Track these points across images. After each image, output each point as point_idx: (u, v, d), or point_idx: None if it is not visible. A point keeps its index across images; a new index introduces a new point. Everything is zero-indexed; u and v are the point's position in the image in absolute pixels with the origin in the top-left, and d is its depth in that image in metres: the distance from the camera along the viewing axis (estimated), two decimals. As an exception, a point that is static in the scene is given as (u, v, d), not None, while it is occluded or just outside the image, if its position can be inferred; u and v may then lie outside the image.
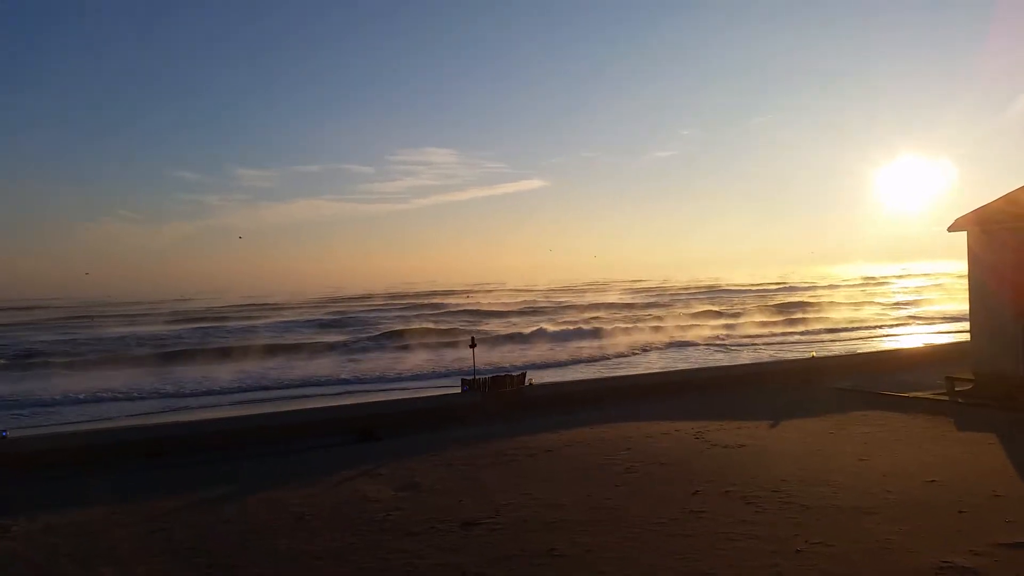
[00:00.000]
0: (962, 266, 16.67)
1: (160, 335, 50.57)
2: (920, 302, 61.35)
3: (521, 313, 63.20)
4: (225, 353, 36.54)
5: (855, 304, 61.12)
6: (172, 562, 7.37)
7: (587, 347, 36.52)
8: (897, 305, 59.79)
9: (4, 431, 16.01)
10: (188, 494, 10.18)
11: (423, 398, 20.04)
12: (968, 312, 16.65)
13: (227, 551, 7.61)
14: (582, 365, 31.34)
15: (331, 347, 39.66)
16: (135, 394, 25.82)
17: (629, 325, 46.15)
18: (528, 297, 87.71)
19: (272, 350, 38.01)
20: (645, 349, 36.68)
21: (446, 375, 28.50)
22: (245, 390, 26.70)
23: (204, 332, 52.66)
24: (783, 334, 42.98)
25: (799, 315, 52.44)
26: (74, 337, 50.47)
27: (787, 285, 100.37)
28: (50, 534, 8.56)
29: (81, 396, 25.32)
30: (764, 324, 47.99)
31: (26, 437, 15.28)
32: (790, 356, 29.65)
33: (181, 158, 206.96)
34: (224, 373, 30.17)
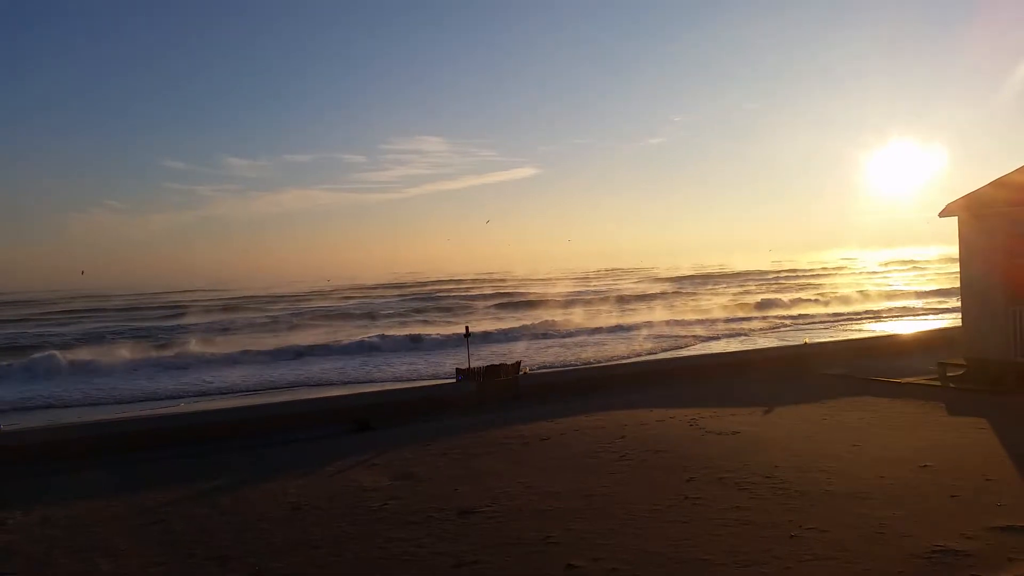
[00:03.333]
0: (954, 251, 16.73)
1: (173, 328, 50.25)
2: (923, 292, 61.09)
3: (552, 304, 59.27)
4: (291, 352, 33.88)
5: (875, 289, 61.14)
6: (169, 554, 7.38)
7: (655, 339, 35.04)
8: (917, 293, 59.12)
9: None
10: (185, 486, 10.18)
11: (417, 388, 20.09)
12: (960, 297, 16.74)
13: (224, 542, 7.63)
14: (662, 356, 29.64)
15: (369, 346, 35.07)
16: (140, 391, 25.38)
17: (681, 317, 44.46)
18: (551, 287, 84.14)
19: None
20: (714, 338, 35.41)
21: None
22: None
23: (251, 323, 51.60)
24: (835, 318, 42.98)
25: (844, 301, 51.83)
26: (88, 329, 50.40)
27: (802, 271, 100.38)
28: (47, 527, 8.57)
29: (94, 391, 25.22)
30: (809, 308, 47.80)
31: (21, 430, 15.24)
32: (781, 343, 29.77)
33: (170, 147, 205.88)
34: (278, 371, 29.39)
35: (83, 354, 33.73)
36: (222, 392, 24.80)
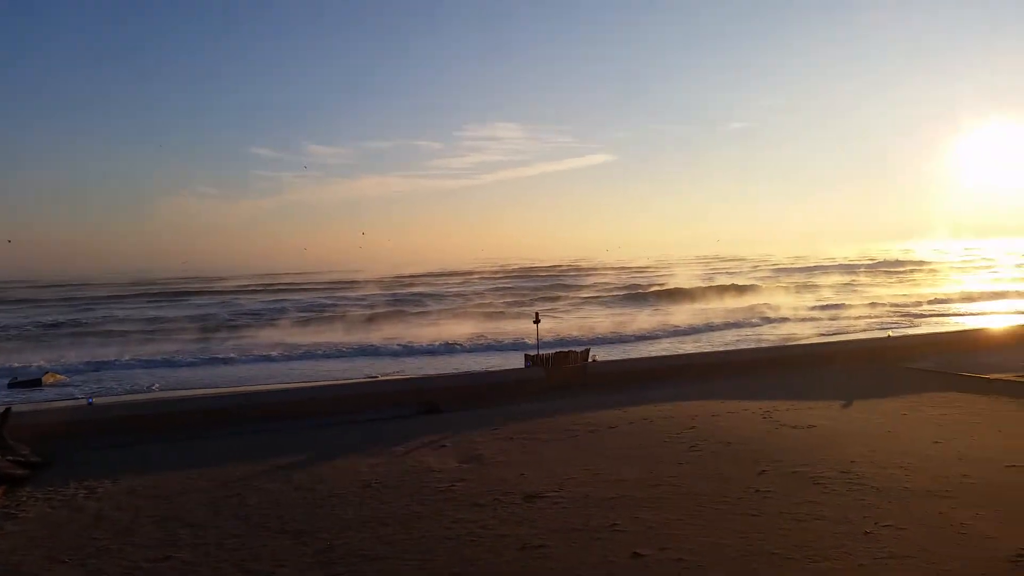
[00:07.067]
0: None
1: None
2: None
3: (693, 296, 55.43)
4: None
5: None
6: (244, 526, 7.65)
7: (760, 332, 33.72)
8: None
9: (90, 398, 16.85)
10: (260, 461, 10.51)
11: (486, 372, 20.25)
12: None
13: (297, 516, 7.86)
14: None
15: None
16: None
17: (872, 311, 41.93)
18: (669, 276, 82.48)
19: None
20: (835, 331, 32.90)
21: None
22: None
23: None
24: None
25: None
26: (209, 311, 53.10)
27: (892, 261, 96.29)
28: (132, 496, 8.99)
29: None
30: (895, 301, 45.95)
31: (108, 404, 16.02)
32: (862, 336, 28.79)
33: (258, 135, 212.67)
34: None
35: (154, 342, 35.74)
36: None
